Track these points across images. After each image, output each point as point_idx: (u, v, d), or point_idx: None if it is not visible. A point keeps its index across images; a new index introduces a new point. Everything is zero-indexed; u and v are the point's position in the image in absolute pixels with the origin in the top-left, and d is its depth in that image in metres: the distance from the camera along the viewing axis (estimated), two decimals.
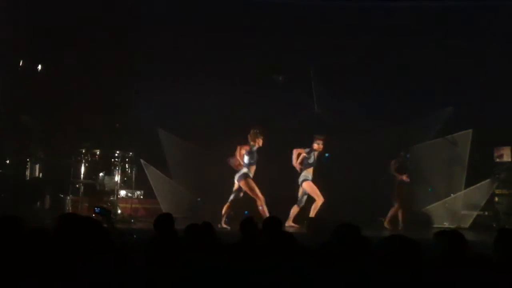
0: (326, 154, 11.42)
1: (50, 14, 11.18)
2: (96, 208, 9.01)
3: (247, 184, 10.53)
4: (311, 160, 11.14)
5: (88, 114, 11.64)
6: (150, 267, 3.97)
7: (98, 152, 11.57)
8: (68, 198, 11.15)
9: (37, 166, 11.90)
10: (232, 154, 10.68)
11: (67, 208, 10.93)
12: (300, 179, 11.15)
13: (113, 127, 12.29)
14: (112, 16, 11.55)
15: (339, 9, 11.42)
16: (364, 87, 11.95)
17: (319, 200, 10.89)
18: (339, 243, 3.46)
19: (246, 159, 10.59)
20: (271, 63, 12.53)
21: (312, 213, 10.86)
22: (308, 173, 11.13)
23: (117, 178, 11.47)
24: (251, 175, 10.59)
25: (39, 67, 12.18)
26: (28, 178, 11.54)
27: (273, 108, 12.32)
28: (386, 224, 11.31)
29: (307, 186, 11.09)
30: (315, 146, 11.15)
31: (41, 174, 11.99)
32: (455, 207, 11.92)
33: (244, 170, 10.56)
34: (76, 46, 11.60)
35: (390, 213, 11.38)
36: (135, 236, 6.46)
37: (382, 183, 11.64)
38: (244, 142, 10.65)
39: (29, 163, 11.61)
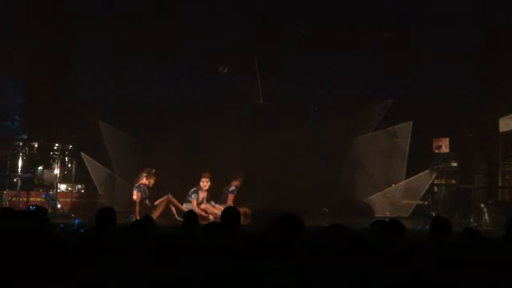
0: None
1: None
2: (30, 206, 8.65)
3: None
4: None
5: (26, 105, 11.28)
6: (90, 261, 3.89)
7: (36, 145, 11.22)
8: (5, 192, 10.77)
9: None
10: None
11: (4, 203, 10.57)
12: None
13: (52, 119, 11.94)
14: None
15: None
16: (307, 79, 12.01)
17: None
18: (279, 233, 3.48)
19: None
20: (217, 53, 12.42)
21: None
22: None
23: (57, 171, 11.16)
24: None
25: None
26: None
27: (217, 100, 12.26)
28: None
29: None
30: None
31: None
32: (396, 197, 12.20)
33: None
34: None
35: None
36: None
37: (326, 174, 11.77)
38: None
39: None
